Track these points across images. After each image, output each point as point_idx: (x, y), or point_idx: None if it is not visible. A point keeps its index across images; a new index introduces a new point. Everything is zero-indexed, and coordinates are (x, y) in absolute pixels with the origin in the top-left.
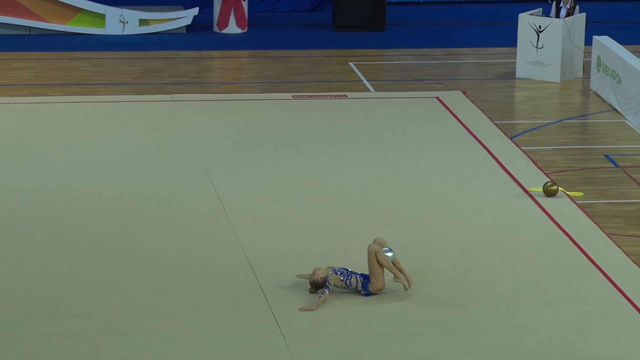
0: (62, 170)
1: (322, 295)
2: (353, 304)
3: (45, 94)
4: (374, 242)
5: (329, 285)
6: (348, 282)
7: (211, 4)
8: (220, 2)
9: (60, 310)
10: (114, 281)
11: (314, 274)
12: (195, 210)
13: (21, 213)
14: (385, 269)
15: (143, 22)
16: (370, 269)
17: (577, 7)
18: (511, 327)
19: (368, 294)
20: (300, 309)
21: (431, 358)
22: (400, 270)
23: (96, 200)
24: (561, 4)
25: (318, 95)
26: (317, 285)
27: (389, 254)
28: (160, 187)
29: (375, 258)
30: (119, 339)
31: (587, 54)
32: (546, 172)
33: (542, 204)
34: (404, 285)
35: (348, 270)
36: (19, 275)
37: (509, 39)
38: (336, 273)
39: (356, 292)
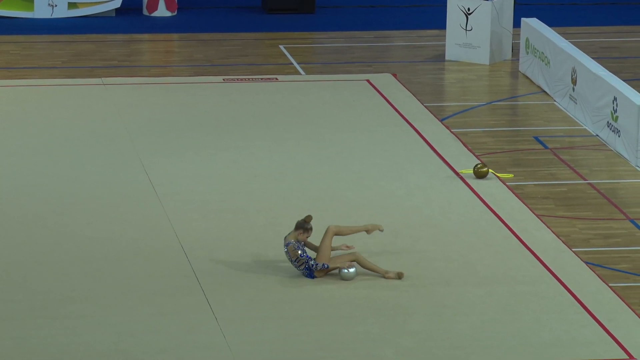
0: None
1: (323, 266)
2: (286, 287)
3: None
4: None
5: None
6: (301, 256)
7: None
8: None
9: None
10: (44, 266)
11: (308, 224)
12: (127, 194)
13: None
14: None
15: (72, 5)
16: (334, 260)
17: None
18: (443, 309)
19: (310, 275)
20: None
21: (363, 340)
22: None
23: (26, 185)
24: None
25: (249, 79)
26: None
27: (352, 270)
28: (90, 171)
29: (351, 260)
30: (50, 324)
31: (516, 36)
32: (476, 154)
33: (472, 185)
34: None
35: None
36: None
37: (438, 22)
38: (299, 249)
39: (299, 263)
